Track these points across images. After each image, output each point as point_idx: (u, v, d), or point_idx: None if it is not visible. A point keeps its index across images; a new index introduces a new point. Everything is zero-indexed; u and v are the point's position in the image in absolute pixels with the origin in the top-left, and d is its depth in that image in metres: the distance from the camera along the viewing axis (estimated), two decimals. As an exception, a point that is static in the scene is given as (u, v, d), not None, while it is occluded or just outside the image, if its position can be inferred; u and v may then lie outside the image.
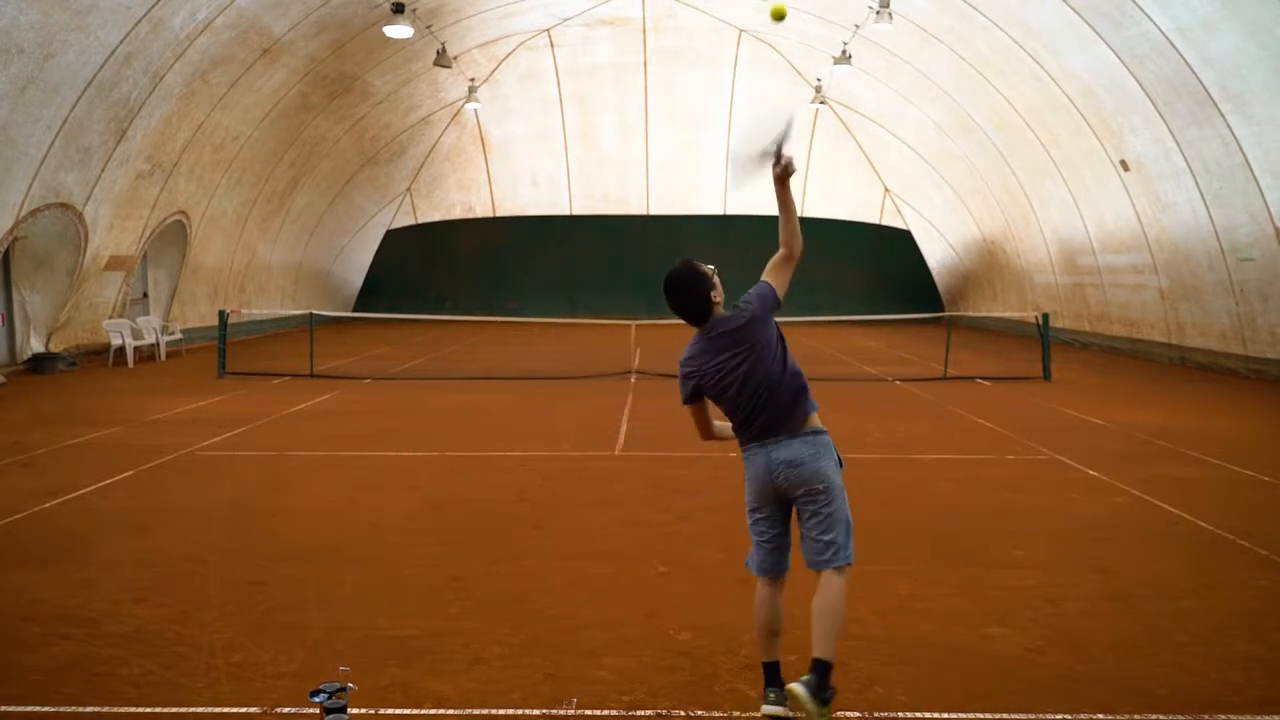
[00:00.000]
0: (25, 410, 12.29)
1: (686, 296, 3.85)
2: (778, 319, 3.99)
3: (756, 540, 3.95)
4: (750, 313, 3.82)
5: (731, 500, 6.49)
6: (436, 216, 31.95)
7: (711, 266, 3.94)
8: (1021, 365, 16.84)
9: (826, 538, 3.78)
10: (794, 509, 3.88)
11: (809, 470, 3.76)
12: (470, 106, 26.73)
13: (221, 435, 10.40)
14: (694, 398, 3.98)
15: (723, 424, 4.06)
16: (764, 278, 3.93)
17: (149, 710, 3.95)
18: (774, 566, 3.93)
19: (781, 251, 3.96)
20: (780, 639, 3.89)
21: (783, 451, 3.78)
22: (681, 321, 3.99)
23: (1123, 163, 17.50)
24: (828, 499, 3.77)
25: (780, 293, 3.90)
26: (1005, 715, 3.92)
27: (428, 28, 20.60)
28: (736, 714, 3.93)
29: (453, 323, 28.22)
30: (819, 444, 3.81)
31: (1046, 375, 15.43)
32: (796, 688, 3.60)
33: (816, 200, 31.18)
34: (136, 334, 18.53)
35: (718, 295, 3.92)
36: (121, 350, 17.77)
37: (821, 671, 3.61)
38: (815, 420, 3.88)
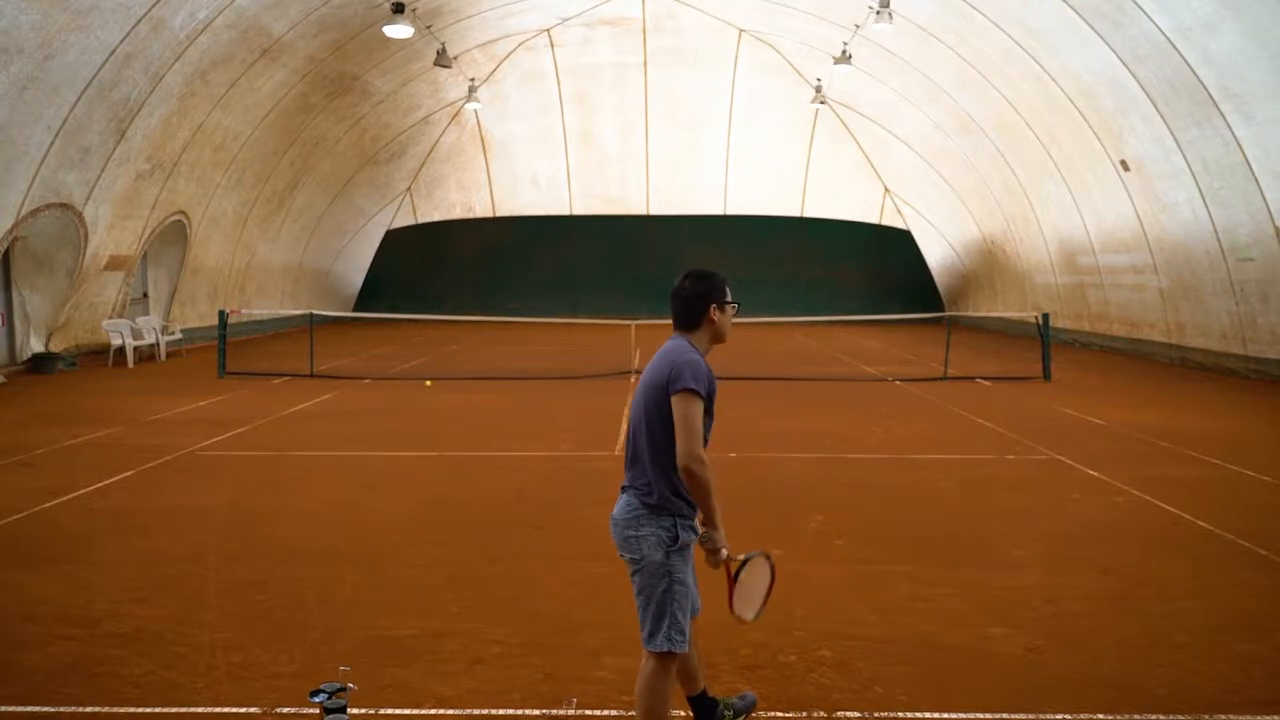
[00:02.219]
0: (25, 410, 12.28)
1: (681, 294, 3.56)
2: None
3: None
4: (674, 370, 3.40)
5: (730, 500, 6.48)
6: (436, 216, 31.96)
7: (734, 304, 3.65)
8: (1021, 365, 16.83)
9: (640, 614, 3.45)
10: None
11: (619, 535, 3.48)
12: (470, 106, 26.72)
13: (221, 435, 10.40)
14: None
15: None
16: (676, 407, 3.37)
17: (149, 710, 3.95)
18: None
19: (679, 462, 3.36)
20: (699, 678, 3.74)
21: (616, 508, 3.54)
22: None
23: (1123, 163, 17.50)
24: (637, 571, 3.46)
25: (676, 412, 3.37)
26: (1005, 715, 3.92)
27: (428, 28, 20.60)
28: (736, 714, 3.93)
29: (453, 323, 28.21)
30: (642, 517, 3.42)
31: (1046, 375, 15.43)
32: None
33: (816, 200, 31.21)
34: (136, 334, 18.52)
35: (718, 316, 3.57)
36: (121, 350, 17.76)
37: None
38: (662, 499, 3.42)
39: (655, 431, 3.43)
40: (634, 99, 28.13)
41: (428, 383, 14.58)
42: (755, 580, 3.55)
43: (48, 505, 7.33)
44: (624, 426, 11.06)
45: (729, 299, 3.61)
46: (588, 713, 3.95)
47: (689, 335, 3.57)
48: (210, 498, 7.63)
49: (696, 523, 3.50)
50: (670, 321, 3.65)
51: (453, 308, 30.01)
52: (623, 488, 3.57)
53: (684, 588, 3.42)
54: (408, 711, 3.95)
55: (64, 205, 15.55)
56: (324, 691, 3.44)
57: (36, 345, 16.70)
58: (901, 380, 15.61)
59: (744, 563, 3.45)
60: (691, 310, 3.55)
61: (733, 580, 3.45)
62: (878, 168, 29.36)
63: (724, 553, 3.42)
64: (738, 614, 3.49)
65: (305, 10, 17.46)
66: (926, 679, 4.26)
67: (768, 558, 3.59)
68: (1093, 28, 15.41)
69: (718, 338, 3.63)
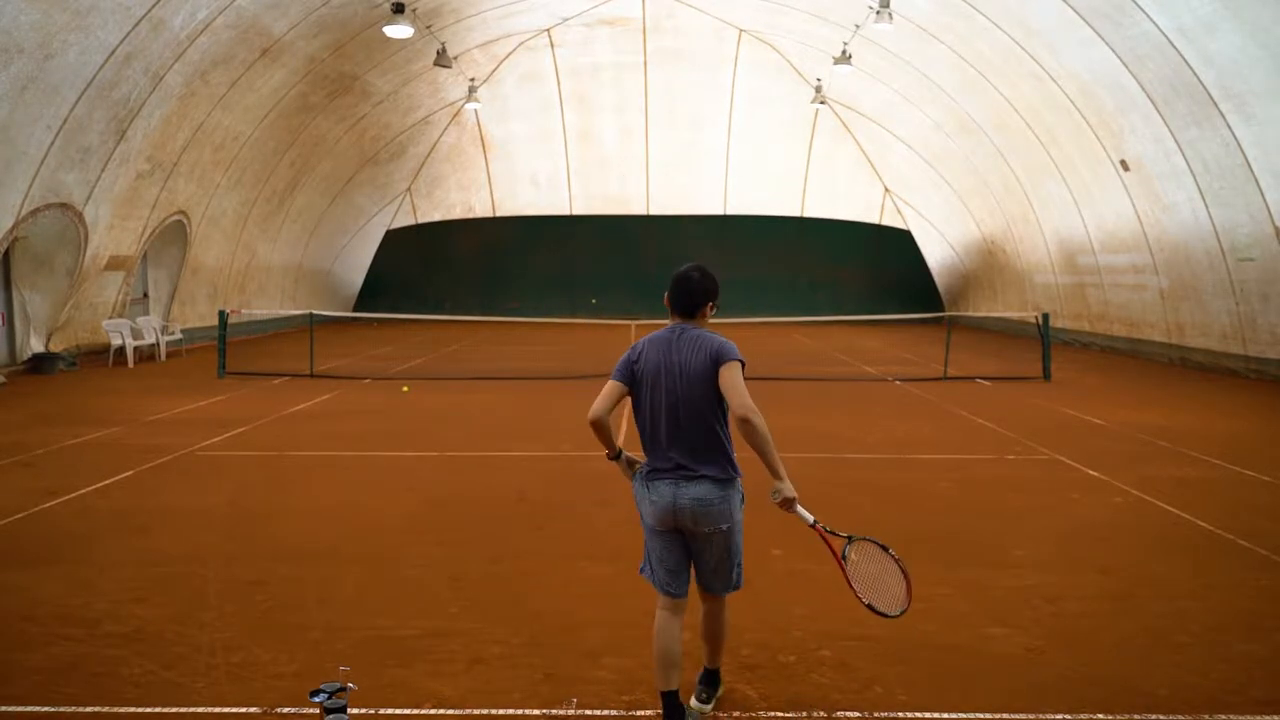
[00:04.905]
0: (25, 410, 12.28)
1: (691, 283, 3.86)
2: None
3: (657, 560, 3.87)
4: (717, 348, 3.75)
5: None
6: (436, 216, 31.96)
7: (716, 308, 3.98)
8: (1021, 365, 16.84)
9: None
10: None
11: (714, 511, 3.73)
12: (470, 106, 26.73)
13: (221, 435, 10.40)
14: (622, 376, 3.87)
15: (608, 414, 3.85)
16: (728, 376, 3.71)
17: (149, 710, 3.95)
18: (678, 588, 3.85)
19: (737, 414, 3.66)
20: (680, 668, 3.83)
21: (692, 489, 3.73)
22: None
23: (1123, 163, 17.50)
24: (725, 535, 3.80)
25: (728, 380, 3.70)
26: (1005, 715, 3.92)
27: (428, 28, 20.60)
28: (736, 714, 3.93)
29: (453, 323, 28.22)
30: (728, 491, 3.77)
31: (1046, 375, 15.43)
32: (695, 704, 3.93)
33: (816, 200, 31.22)
34: (136, 334, 18.53)
35: (709, 313, 3.93)
36: (121, 350, 17.76)
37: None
38: (731, 472, 3.78)
39: (712, 422, 3.75)
40: (634, 99, 28.13)
41: (405, 388, 14.57)
42: (872, 566, 3.82)
43: (48, 505, 7.32)
44: (625, 425, 11.06)
45: (716, 303, 3.97)
46: (588, 713, 3.95)
47: (690, 322, 3.88)
48: (210, 498, 7.63)
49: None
50: (671, 320, 3.88)
51: (453, 308, 30.03)
52: (682, 476, 3.74)
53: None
54: (408, 711, 3.95)
55: (64, 205, 15.55)
56: (324, 691, 3.44)
57: (36, 345, 16.70)
58: (901, 380, 15.60)
59: (849, 541, 3.78)
60: (696, 301, 3.88)
61: (840, 560, 3.76)
62: (878, 168, 29.36)
63: (800, 509, 3.74)
64: (869, 602, 3.74)
65: (305, 10, 17.46)
66: (926, 679, 4.26)
67: (877, 543, 3.84)
68: (1093, 28, 15.41)
69: None
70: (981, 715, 3.92)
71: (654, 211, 32.05)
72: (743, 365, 3.75)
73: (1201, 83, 14.08)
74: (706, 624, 3.94)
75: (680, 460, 3.75)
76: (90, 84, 14.41)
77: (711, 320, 3.97)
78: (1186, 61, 14.06)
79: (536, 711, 3.95)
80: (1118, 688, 4.15)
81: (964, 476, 8.50)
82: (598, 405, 3.83)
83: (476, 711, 3.94)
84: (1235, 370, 15.73)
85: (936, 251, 30.33)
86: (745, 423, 3.59)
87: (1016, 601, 5.22)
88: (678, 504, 3.72)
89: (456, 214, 32.09)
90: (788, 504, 3.69)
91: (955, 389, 14.46)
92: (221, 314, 16.66)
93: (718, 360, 3.72)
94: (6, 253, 15.75)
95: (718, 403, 3.74)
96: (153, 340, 18.90)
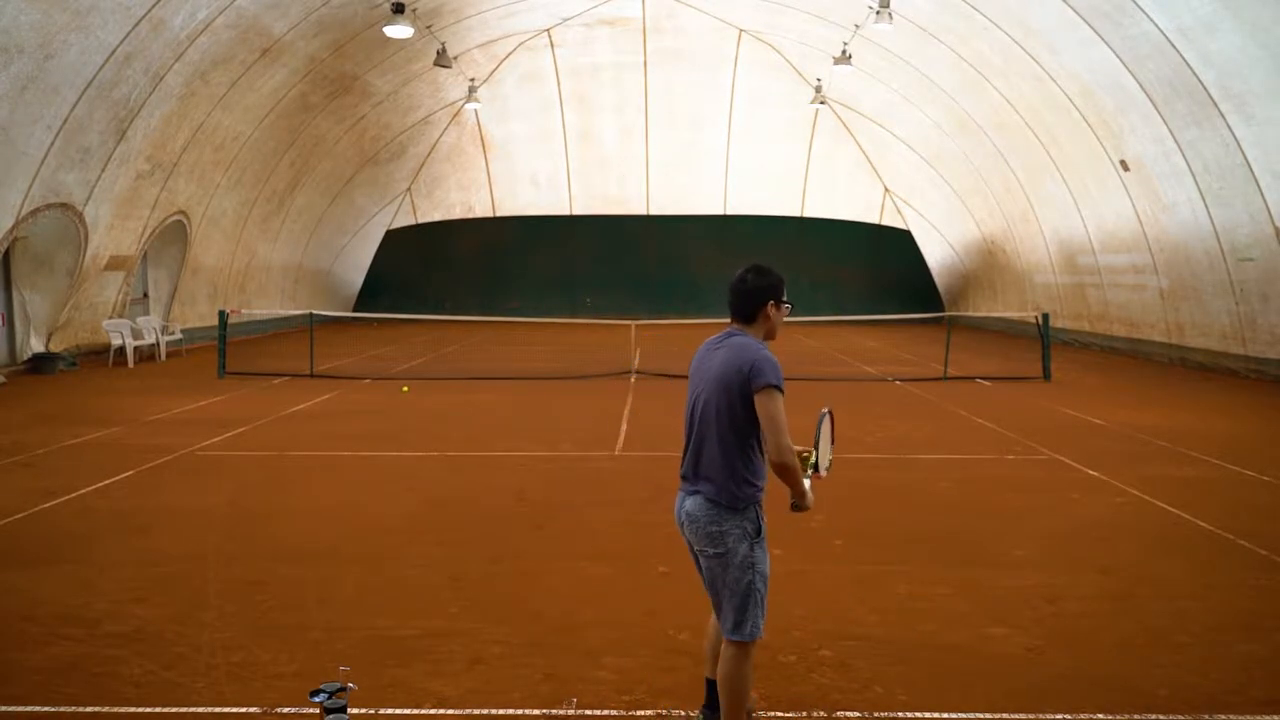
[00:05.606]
0: (25, 410, 12.28)
1: (743, 285, 3.61)
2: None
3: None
4: (751, 364, 3.45)
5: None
6: (436, 216, 31.96)
7: (789, 304, 3.71)
8: (1021, 365, 16.83)
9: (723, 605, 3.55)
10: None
11: (701, 531, 3.53)
12: (470, 106, 26.73)
13: (221, 435, 10.40)
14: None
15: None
16: (763, 407, 3.45)
17: (149, 710, 3.95)
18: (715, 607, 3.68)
19: (772, 459, 3.48)
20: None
21: (689, 502, 3.59)
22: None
23: (1122, 163, 17.50)
24: (717, 563, 3.51)
25: (763, 412, 3.45)
26: (1005, 715, 3.92)
27: (428, 28, 20.60)
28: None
29: (453, 323, 28.22)
30: (723, 513, 3.49)
31: (1046, 375, 15.43)
32: None
33: (816, 200, 31.21)
34: (136, 334, 18.52)
35: (773, 313, 3.63)
36: (121, 350, 17.76)
37: None
38: (734, 499, 3.49)
39: (726, 435, 3.50)
40: (634, 99, 28.13)
41: (405, 388, 14.58)
42: (826, 447, 3.84)
43: (48, 505, 7.32)
44: (625, 425, 11.07)
45: (785, 299, 3.69)
46: (588, 713, 3.95)
47: (746, 329, 3.64)
48: (210, 498, 7.63)
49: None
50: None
51: (453, 308, 30.02)
52: (687, 489, 3.63)
53: (765, 579, 3.53)
54: (408, 711, 3.95)
55: (64, 205, 15.55)
56: (324, 691, 3.44)
57: (37, 345, 16.70)
58: (901, 380, 15.60)
59: (815, 457, 3.76)
60: (749, 303, 3.62)
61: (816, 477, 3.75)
62: (878, 168, 29.36)
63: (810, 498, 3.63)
64: (824, 475, 3.83)
65: (305, 10, 17.46)
66: (926, 679, 4.26)
67: (827, 414, 3.89)
68: (1093, 28, 15.41)
69: (769, 334, 3.68)
70: (981, 715, 3.92)
71: (654, 212, 32.05)
72: (780, 392, 3.44)
73: (1201, 83, 14.08)
74: (719, 669, 3.58)
75: (687, 470, 3.64)
76: (90, 84, 14.41)
77: (787, 320, 3.75)
78: (1186, 62, 14.06)
79: (536, 711, 3.95)
80: (1118, 688, 4.16)
81: (964, 476, 8.50)
82: None
83: (476, 711, 3.95)
84: (1235, 370, 15.73)
85: (936, 251, 30.33)
86: (781, 468, 3.42)
87: (1016, 601, 5.22)
88: (680, 516, 3.63)
89: (456, 214, 32.08)
90: (801, 509, 3.62)
91: (955, 389, 14.46)
92: (221, 314, 16.65)
93: (748, 379, 3.42)
94: (6, 253, 15.75)
95: (736, 420, 3.47)
96: (153, 340, 18.90)
